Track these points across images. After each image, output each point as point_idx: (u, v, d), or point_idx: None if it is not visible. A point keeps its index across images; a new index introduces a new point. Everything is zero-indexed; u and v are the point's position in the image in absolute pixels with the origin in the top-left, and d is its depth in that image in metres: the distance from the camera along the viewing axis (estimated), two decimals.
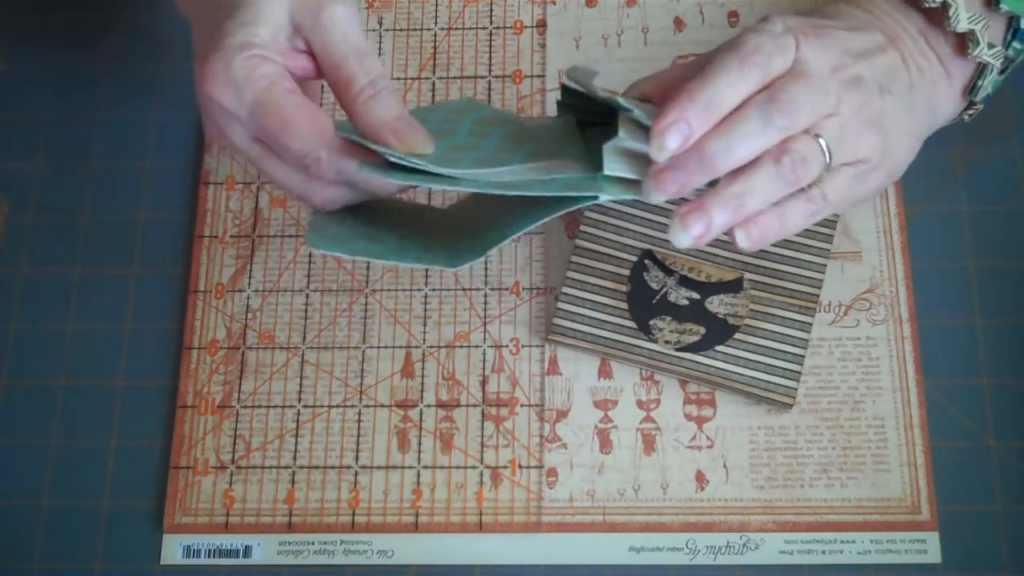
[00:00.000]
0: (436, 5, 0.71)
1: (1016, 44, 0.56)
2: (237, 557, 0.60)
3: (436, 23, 0.70)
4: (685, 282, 0.62)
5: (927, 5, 0.54)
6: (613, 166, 0.49)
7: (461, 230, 0.55)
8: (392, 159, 0.50)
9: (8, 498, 0.62)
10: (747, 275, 0.62)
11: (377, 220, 0.55)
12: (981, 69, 0.56)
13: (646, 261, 0.63)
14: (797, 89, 0.50)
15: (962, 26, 0.54)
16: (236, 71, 0.50)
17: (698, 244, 0.50)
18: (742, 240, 0.51)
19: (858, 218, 0.64)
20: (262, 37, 0.51)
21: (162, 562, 0.60)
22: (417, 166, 0.49)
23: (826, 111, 0.51)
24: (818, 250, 0.62)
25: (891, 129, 0.54)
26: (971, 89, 0.57)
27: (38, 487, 0.62)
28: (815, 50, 0.51)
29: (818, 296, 0.61)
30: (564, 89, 0.56)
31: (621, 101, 0.50)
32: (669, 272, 0.62)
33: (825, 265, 0.62)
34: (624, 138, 0.49)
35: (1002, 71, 0.58)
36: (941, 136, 0.65)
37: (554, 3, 0.70)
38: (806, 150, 0.51)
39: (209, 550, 0.60)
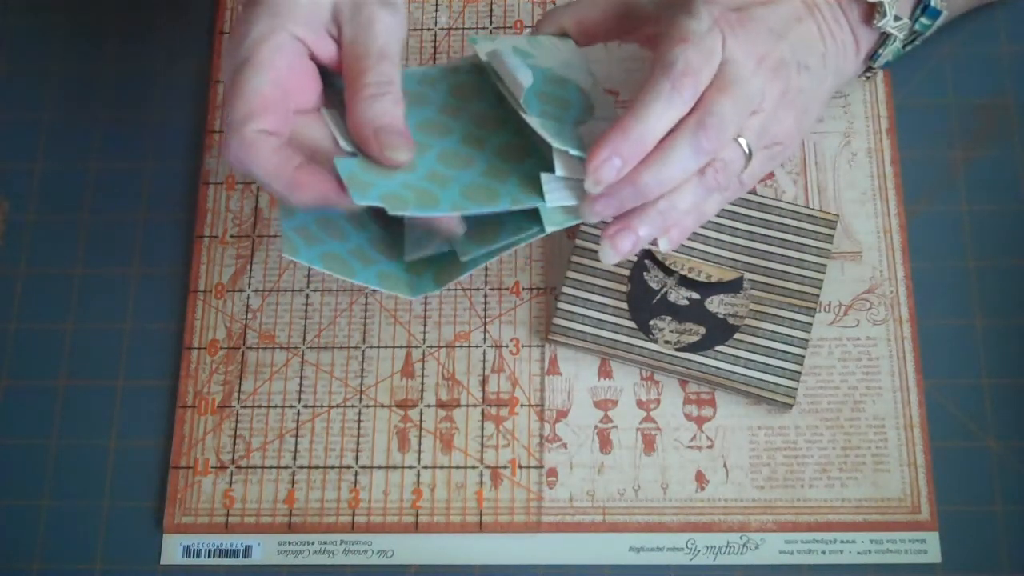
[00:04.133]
0: (436, 5, 0.71)
1: (924, 20, 0.58)
2: (237, 557, 0.60)
3: (436, 23, 0.70)
4: (685, 282, 0.62)
5: None
6: (554, 196, 0.51)
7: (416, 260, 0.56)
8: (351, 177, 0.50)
9: (8, 498, 0.62)
10: (747, 275, 0.62)
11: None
12: (884, 39, 0.58)
13: (646, 261, 0.63)
14: (725, 106, 0.51)
15: None
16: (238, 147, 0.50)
17: (625, 258, 0.53)
18: (664, 245, 0.54)
19: (858, 218, 0.64)
20: (296, 16, 0.51)
21: (162, 562, 0.60)
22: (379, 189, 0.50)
23: (751, 110, 0.53)
24: (818, 250, 0.62)
25: (805, 106, 0.56)
26: (872, 56, 0.59)
27: (38, 487, 0.62)
28: (740, 44, 0.52)
29: (818, 296, 0.61)
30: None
31: (553, 140, 0.51)
32: (669, 272, 0.62)
33: (825, 265, 0.62)
34: (560, 173, 0.51)
35: (907, 43, 0.60)
36: (941, 136, 0.65)
37: (554, 3, 0.70)
38: (729, 157, 0.52)
39: (209, 550, 0.60)
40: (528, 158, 0.53)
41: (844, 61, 0.58)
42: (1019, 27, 0.67)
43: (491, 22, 0.70)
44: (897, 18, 0.57)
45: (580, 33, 0.59)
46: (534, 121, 0.52)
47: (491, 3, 0.70)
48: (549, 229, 0.51)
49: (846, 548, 0.58)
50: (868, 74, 0.62)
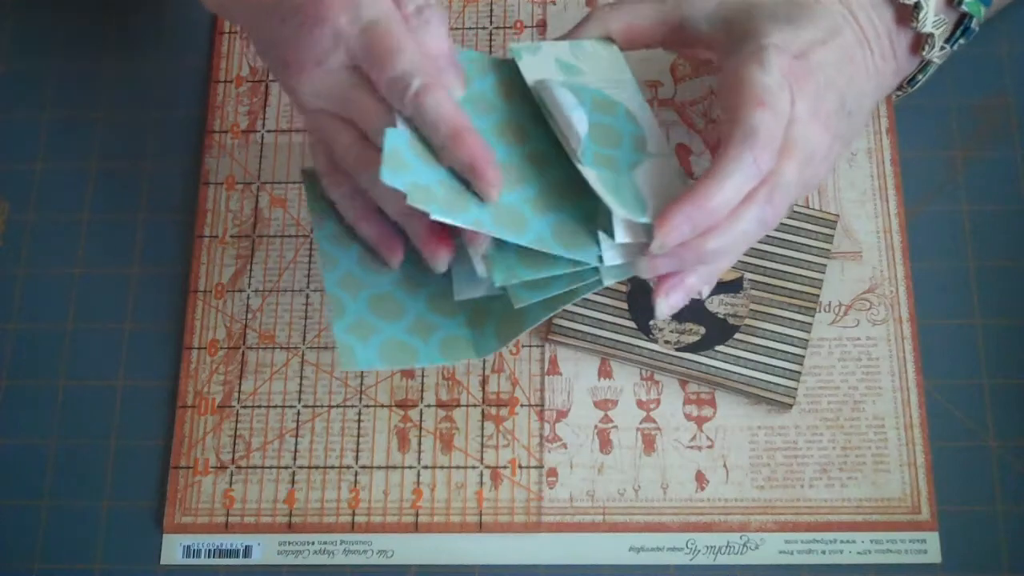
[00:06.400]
0: None
1: (962, 41, 0.57)
2: (237, 557, 0.60)
3: None
4: None
5: (902, 1, 0.55)
6: (610, 255, 0.51)
7: (477, 312, 0.55)
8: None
9: (8, 498, 0.62)
10: (747, 275, 0.62)
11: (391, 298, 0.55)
12: (925, 65, 0.57)
13: None
14: (792, 174, 0.50)
15: (927, 28, 0.55)
16: None
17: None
18: (705, 292, 0.54)
19: (858, 218, 0.64)
20: None
21: (162, 562, 0.60)
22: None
23: (807, 167, 0.52)
24: (818, 250, 0.62)
25: (843, 149, 0.55)
26: (910, 80, 0.59)
27: (38, 487, 0.62)
28: (804, 101, 0.51)
29: (818, 296, 0.61)
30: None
31: (614, 204, 0.50)
32: None
33: (825, 265, 0.62)
34: (621, 239, 0.50)
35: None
36: (941, 136, 0.65)
37: (554, 3, 0.70)
38: (782, 211, 0.52)
39: (209, 550, 0.60)
40: (580, 200, 0.52)
41: (884, 89, 0.57)
42: (1019, 27, 0.67)
43: (491, 22, 0.70)
44: (942, 47, 0.56)
45: (627, 40, 0.57)
46: (591, 176, 0.51)
47: (491, 3, 0.70)
48: (607, 282, 0.51)
49: (846, 548, 0.58)
50: (899, 93, 0.60)
